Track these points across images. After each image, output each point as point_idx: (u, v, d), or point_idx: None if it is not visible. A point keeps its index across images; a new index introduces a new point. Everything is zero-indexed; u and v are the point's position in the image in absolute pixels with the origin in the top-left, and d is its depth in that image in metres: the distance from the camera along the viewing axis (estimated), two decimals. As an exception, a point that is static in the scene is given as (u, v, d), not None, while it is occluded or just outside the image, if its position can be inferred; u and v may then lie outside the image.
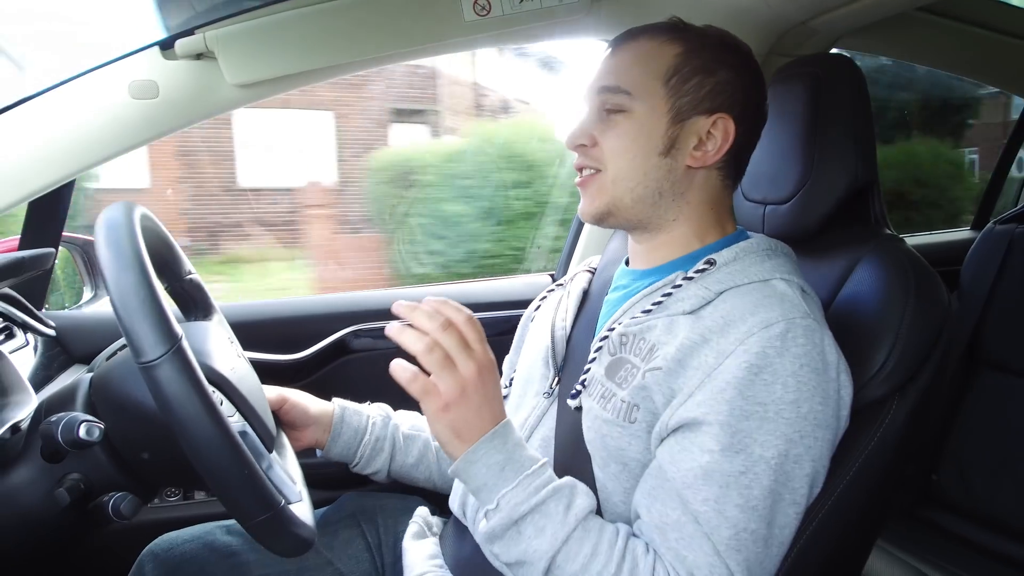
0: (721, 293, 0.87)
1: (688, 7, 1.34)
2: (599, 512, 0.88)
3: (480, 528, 0.83)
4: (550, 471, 0.84)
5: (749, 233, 0.99)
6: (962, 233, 2.39)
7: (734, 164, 0.96)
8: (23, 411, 0.92)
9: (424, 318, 0.81)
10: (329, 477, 1.27)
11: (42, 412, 0.87)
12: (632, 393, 0.86)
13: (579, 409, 0.92)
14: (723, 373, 0.80)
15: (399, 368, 0.81)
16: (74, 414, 0.78)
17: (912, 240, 2.38)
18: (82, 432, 0.76)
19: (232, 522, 1.11)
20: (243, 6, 1.19)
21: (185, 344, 0.74)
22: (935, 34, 1.81)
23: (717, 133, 0.92)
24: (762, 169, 1.07)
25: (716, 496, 0.78)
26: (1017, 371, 1.61)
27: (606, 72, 0.95)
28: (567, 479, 0.84)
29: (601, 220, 0.96)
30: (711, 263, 0.91)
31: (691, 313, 0.87)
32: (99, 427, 0.77)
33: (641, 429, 0.86)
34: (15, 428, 0.89)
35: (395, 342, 0.82)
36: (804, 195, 1.04)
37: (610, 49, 0.97)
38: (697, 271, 0.90)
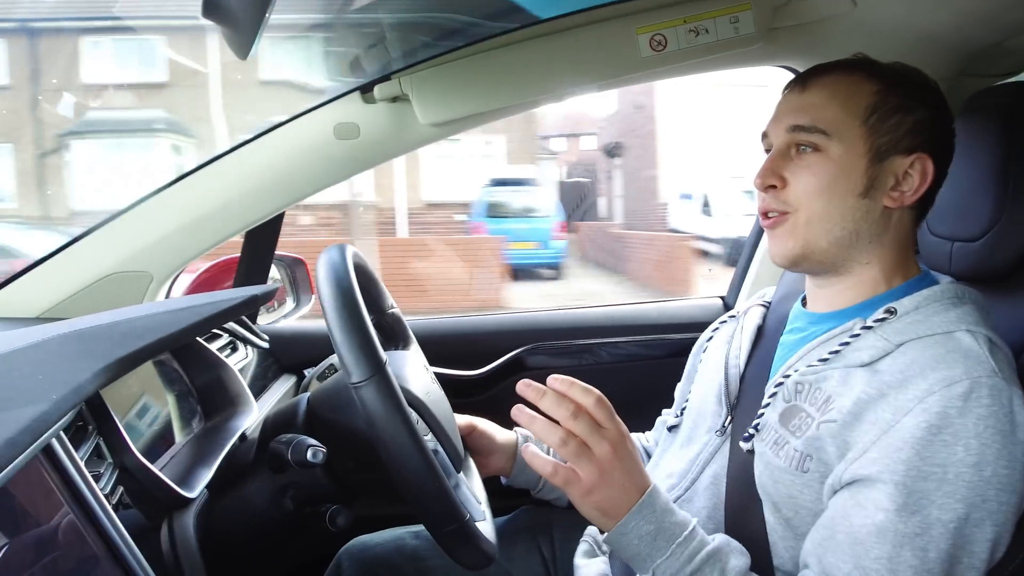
0: (900, 345, 0.84)
1: (872, 33, 1.30)
2: (766, 555, 0.88)
3: None
4: (701, 534, 0.84)
5: (935, 275, 0.96)
6: None
7: (926, 203, 0.94)
8: (248, 420, 1.06)
9: (554, 405, 0.83)
10: (505, 488, 1.35)
11: (268, 426, 1.01)
12: (806, 443, 0.85)
13: (751, 452, 0.93)
14: (900, 431, 0.78)
15: (537, 460, 0.84)
16: (301, 437, 0.90)
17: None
18: (309, 455, 0.88)
19: (419, 528, 1.22)
20: (433, 52, 1.29)
21: (388, 369, 0.85)
22: None
23: (914, 173, 0.90)
24: (950, 203, 1.01)
25: (889, 555, 0.76)
26: None
27: (797, 109, 0.93)
28: (720, 539, 0.85)
29: (795, 264, 0.94)
30: (891, 312, 0.88)
31: (868, 365, 0.85)
32: (323, 451, 0.89)
33: (814, 479, 0.85)
34: (242, 436, 1.03)
35: (525, 429, 0.85)
36: (996, 233, 0.99)
37: (798, 85, 0.95)
38: (876, 320, 0.88)
